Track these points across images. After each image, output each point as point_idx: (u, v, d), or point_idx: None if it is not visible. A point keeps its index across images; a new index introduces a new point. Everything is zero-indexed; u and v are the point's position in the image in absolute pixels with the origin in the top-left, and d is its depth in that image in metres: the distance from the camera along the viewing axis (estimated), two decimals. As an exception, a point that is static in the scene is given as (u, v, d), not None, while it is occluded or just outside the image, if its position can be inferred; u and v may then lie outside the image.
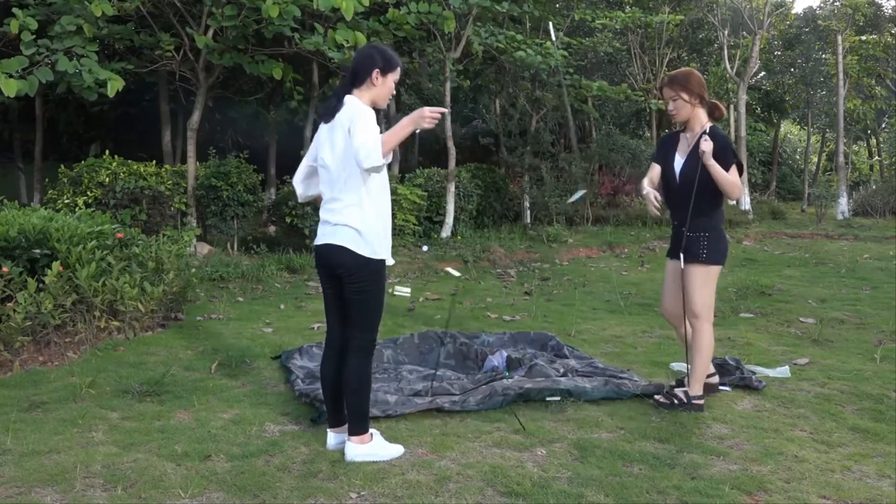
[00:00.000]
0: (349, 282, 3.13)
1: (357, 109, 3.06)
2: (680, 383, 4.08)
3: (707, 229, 3.83)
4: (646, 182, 3.94)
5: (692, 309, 3.87)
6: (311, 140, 3.61)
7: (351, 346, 3.19)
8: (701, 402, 3.88)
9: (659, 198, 3.86)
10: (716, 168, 3.69)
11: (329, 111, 3.19)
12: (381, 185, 3.17)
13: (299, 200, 3.48)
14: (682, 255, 3.87)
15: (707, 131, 3.82)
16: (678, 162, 3.92)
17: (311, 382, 4.06)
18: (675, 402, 3.86)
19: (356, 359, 3.17)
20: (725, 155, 3.75)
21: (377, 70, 3.13)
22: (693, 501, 2.82)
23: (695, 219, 3.84)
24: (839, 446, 3.38)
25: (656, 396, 3.95)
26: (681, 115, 3.89)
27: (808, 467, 3.14)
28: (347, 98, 3.14)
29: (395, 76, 3.19)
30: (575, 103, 13.99)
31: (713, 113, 3.91)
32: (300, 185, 3.40)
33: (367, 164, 2.92)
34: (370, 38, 9.20)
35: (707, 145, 3.68)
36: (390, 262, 3.24)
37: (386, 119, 12.77)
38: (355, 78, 3.16)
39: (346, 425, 3.29)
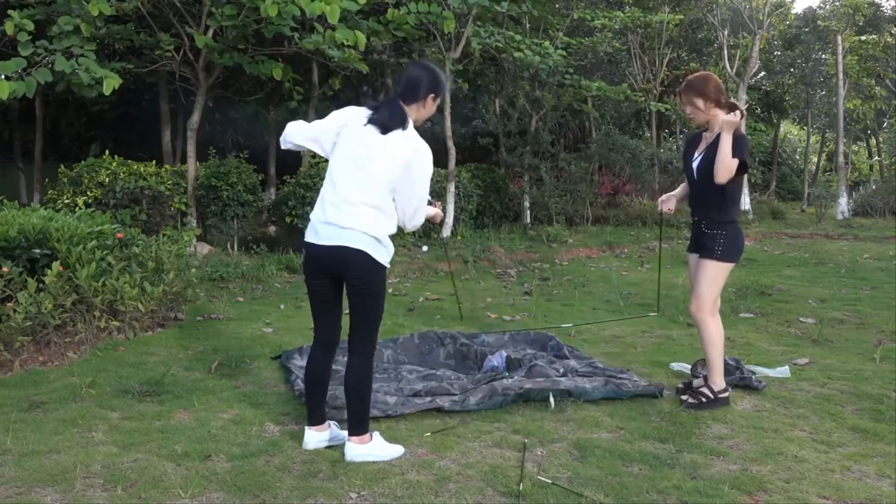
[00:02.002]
0: (359, 285, 3.11)
1: (427, 159, 3.12)
2: (688, 385, 4.10)
3: (724, 226, 3.90)
4: (677, 189, 4.24)
5: (698, 301, 3.94)
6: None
7: (353, 347, 3.19)
8: (726, 394, 3.93)
9: (671, 205, 4.14)
10: (726, 143, 3.73)
11: (388, 126, 3.10)
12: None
13: (282, 147, 3.37)
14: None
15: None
16: (696, 160, 3.99)
17: (311, 382, 4.05)
18: (703, 399, 3.88)
19: (359, 359, 3.17)
20: (736, 148, 3.78)
21: (433, 95, 3.17)
22: (693, 501, 2.82)
23: (710, 213, 3.93)
24: (839, 446, 3.38)
25: (683, 397, 3.96)
26: (696, 120, 3.97)
27: (807, 467, 3.14)
28: (412, 126, 3.16)
29: (439, 101, 3.25)
30: (575, 103, 13.99)
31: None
32: (296, 140, 3.27)
33: (409, 229, 3.23)
34: (370, 38, 9.20)
35: (734, 117, 3.74)
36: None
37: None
38: (411, 93, 3.15)
39: (326, 423, 3.33)
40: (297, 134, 3.27)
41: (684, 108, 3.98)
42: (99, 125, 15.29)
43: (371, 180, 3.08)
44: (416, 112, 3.18)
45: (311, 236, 3.17)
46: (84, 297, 4.93)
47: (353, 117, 3.18)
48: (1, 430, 3.45)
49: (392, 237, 3.19)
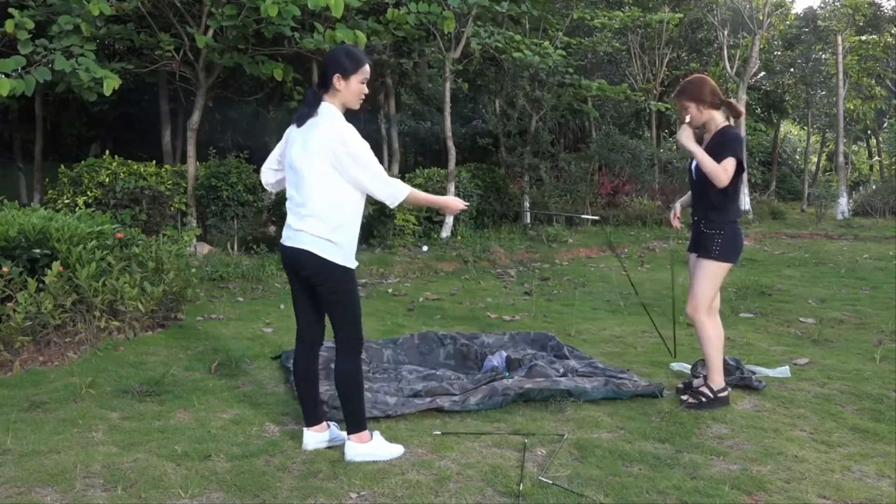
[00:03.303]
0: (318, 285, 3.14)
1: (348, 133, 3.03)
2: (688, 385, 4.10)
3: (721, 226, 3.89)
4: (683, 197, 4.34)
5: (693, 300, 3.95)
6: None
7: (338, 348, 3.20)
8: (726, 394, 3.93)
9: (678, 214, 4.23)
10: (698, 153, 3.79)
11: (302, 116, 3.13)
12: (354, 193, 3.11)
13: (272, 190, 3.46)
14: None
15: (720, 130, 3.90)
16: (694, 161, 4.00)
17: (311, 382, 4.05)
18: (703, 399, 3.89)
19: (343, 359, 3.19)
20: (722, 149, 3.80)
21: (337, 75, 3.07)
22: (693, 501, 2.82)
23: (709, 213, 3.93)
24: (839, 446, 3.38)
25: (683, 397, 3.96)
26: (694, 123, 3.97)
27: (808, 467, 3.14)
28: (325, 107, 3.10)
29: (359, 77, 3.10)
30: (575, 103, 13.99)
31: (731, 112, 3.96)
32: (271, 181, 3.40)
33: (394, 204, 3.15)
34: (370, 38, 9.21)
35: (686, 128, 3.85)
36: (354, 265, 3.21)
37: (386, 120, 12.78)
38: (322, 80, 3.13)
39: (324, 424, 3.34)
40: (266, 167, 3.38)
41: (681, 111, 3.99)
42: (99, 125, 15.30)
43: (306, 180, 3.07)
44: (337, 98, 3.12)
45: (283, 238, 3.27)
46: (84, 297, 4.92)
47: (290, 126, 3.25)
48: (1, 430, 3.45)
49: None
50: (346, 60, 3.08)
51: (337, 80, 3.07)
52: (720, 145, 3.81)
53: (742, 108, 4.10)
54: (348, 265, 3.14)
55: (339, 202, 3.08)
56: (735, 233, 3.93)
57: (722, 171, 3.74)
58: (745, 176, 18.11)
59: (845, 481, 3.00)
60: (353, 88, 3.10)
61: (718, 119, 3.91)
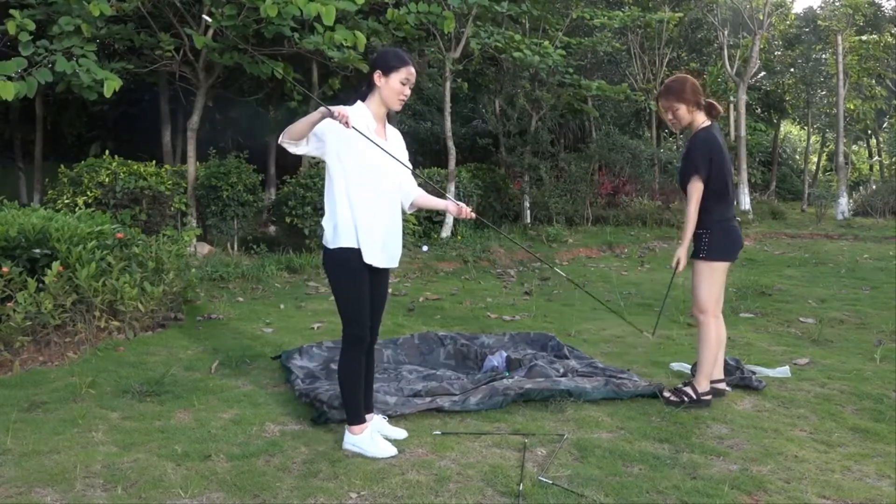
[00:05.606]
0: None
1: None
2: (688, 384, 4.10)
3: (709, 226, 3.88)
4: None
5: (696, 303, 3.96)
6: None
7: None
8: (708, 397, 3.92)
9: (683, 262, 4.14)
10: (685, 241, 3.91)
11: None
12: (336, 170, 3.13)
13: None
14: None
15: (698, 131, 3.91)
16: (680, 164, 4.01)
17: (311, 382, 4.06)
18: (685, 399, 3.88)
19: (341, 350, 3.27)
20: (689, 158, 3.82)
21: (378, 72, 3.17)
22: (693, 501, 2.82)
23: (697, 214, 3.90)
24: (839, 446, 3.38)
25: (665, 394, 3.96)
26: (681, 125, 3.96)
27: (807, 467, 3.14)
28: (357, 102, 3.22)
29: (400, 76, 3.15)
30: (575, 103, 14.00)
31: (710, 112, 3.94)
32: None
33: (279, 140, 3.14)
34: (370, 38, 9.21)
35: (677, 261, 3.91)
36: (378, 263, 3.20)
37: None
38: (367, 82, 3.22)
39: (370, 415, 3.41)
40: None
41: (665, 114, 3.96)
42: (99, 125, 15.30)
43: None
44: (377, 95, 3.18)
45: None
46: (84, 297, 4.93)
47: None
48: (1, 430, 3.45)
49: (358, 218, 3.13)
50: (390, 59, 3.17)
51: (378, 77, 3.17)
52: (689, 153, 3.84)
53: (721, 108, 4.08)
54: (334, 246, 3.15)
55: (328, 186, 3.20)
56: (726, 232, 3.89)
57: (692, 196, 3.80)
58: (745, 175, 18.02)
59: (845, 481, 3.00)
60: (392, 86, 3.16)
61: (699, 119, 3.91)
